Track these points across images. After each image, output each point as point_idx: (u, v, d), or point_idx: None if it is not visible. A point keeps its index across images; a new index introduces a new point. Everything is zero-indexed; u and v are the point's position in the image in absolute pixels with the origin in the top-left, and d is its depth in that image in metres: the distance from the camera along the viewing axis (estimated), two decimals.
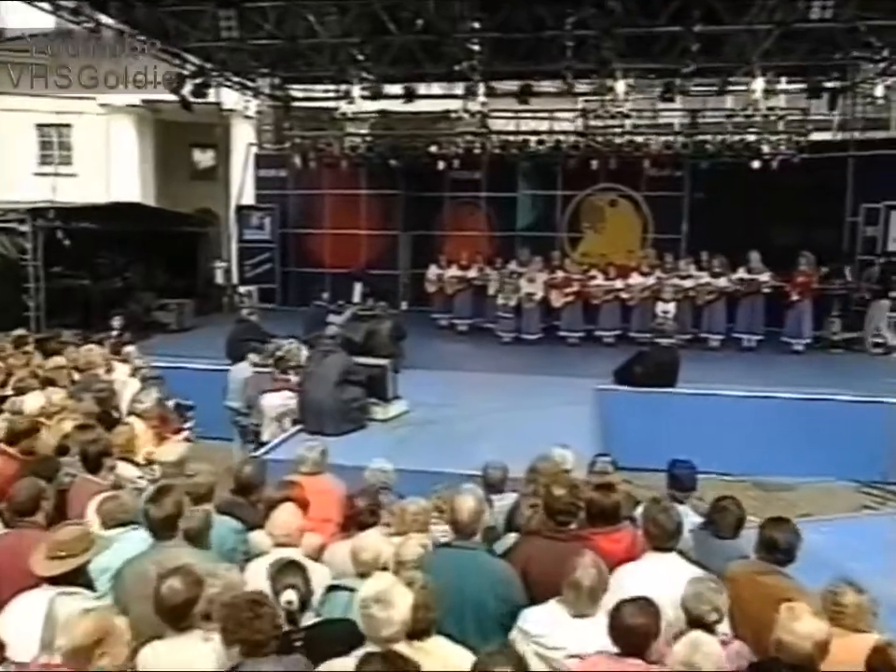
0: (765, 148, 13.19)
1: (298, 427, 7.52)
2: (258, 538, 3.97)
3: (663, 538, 3.68)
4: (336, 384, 7.62)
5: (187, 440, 6.73)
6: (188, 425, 6.90)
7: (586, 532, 3.86)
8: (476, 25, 11.39)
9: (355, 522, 4.11)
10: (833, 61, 12.74)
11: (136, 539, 3.74)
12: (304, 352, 8.61)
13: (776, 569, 3.59)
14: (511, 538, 4.20)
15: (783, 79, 13.67)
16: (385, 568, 3.45)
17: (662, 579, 3.41)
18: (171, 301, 14.07)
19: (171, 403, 7.00)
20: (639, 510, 4.26)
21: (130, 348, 8.44)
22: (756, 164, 13.26)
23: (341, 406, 7.60)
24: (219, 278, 17.23)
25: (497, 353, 12.10)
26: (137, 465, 5.23)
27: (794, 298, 11.47)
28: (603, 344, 12.52)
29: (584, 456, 5.37)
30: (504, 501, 4.87)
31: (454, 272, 13.63)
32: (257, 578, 3.33)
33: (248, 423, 8.08)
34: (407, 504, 4.06)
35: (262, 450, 6.84)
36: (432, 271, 13.96)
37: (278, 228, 16.78)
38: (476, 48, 11.70)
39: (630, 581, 3.43)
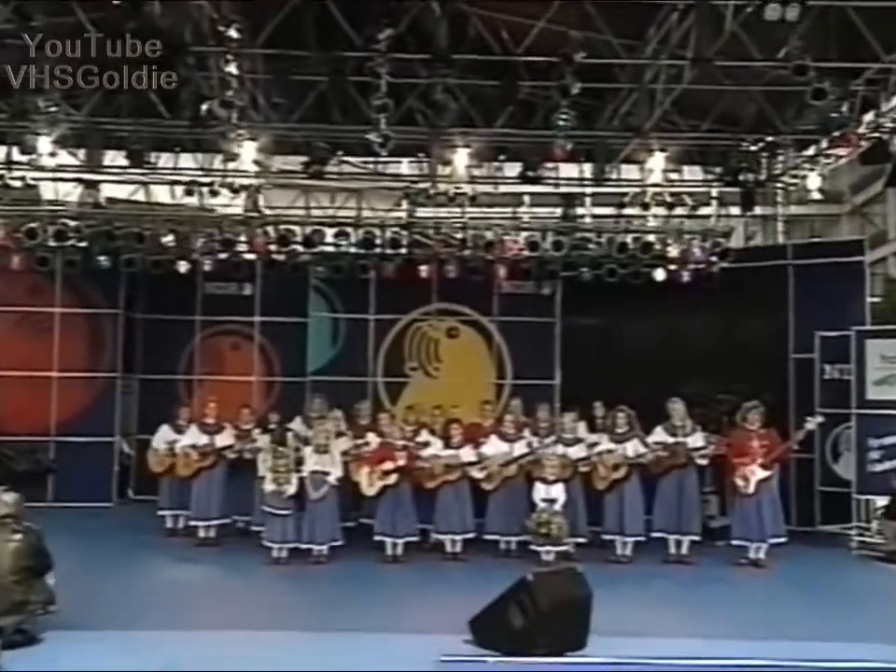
0: (673, 252, 12.12)
1: None
2: None
3: None
4: None
5: None
6: None
7: None
8: (234, 35, 9.04)
9: None
10: (747, 139, 11.86)
11: None
12: None
13: None
14: None
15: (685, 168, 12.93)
16: None
17: None
18: None
19: None
20: None
21: None
22: (660, 276, 12.24)
23: None
24: None
25: (264, 580, 9.60)
26: None
27: (760, 475, 9.42)
28: (444, 556, 10.40)
29: None
30: None
31: (194, 437, 10.90)
32: None
33: None
34: None
35: None
36: (161, 435, 11.40)
37: None
38: (234, 70, 9.36)
39: None
